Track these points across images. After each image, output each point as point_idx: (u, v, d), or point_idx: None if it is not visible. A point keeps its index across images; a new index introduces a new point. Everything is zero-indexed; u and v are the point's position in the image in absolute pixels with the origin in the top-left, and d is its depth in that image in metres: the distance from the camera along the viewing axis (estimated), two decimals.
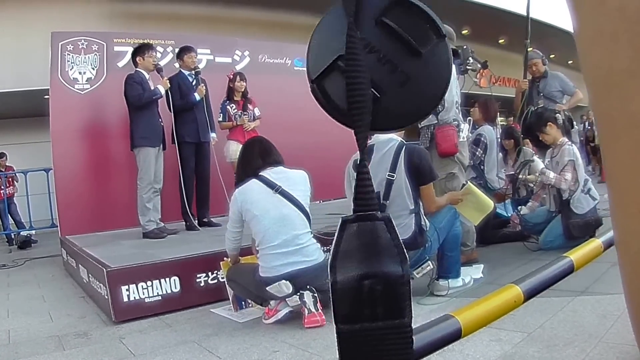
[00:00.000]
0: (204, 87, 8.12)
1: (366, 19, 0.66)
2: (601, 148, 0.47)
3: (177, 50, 8.94)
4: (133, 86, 7.44)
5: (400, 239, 0.64)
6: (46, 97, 9.02)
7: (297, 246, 4.52)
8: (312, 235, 4.73)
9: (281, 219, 4.53)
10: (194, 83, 8.10)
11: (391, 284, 0.61)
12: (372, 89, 0.65)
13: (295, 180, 4.72)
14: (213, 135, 8.37)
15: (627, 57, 0.41)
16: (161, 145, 7.70)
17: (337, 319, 0.61)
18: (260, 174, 4.67)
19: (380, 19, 0.65)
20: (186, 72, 8.17)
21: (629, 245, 0.45)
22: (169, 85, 7.72)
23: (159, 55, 8.41)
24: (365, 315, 0.61)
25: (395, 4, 0.66)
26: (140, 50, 7.78)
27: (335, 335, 0.61)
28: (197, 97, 8.02)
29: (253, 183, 4.65)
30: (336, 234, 0.63)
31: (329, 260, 0.64)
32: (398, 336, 0.61)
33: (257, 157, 4.75)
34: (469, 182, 5.64)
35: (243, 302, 5.11)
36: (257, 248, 4.68)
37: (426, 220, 4.95)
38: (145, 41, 8.53)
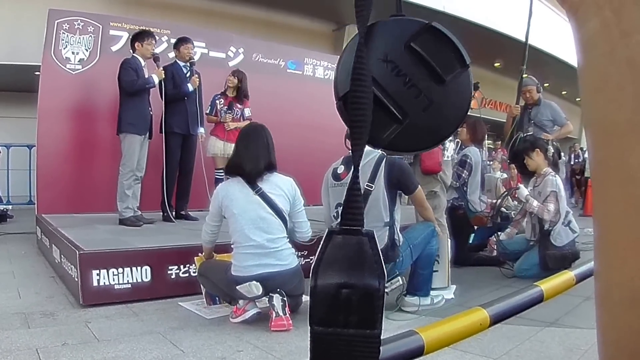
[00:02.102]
0: (198, 79, 8.11)
1: (396, 43, 0.67)
2: (593, 195, 0.48)
3: (172, 40, 8.95)
4: (128, 71, 7.41)
5: (381, 255, 0.66)
6: (37, 73, 8.97)
7: (271, 249, 4.55)
8: (288, 240, 4.74)
9: (258, 221, 4.56)
10: (187, 74, 8.09)
11: (367, 296, 0.63)
12: (396, 112, 0.67)
13: (278, 184, 4.72)
14: (201, 130, 8.35)
15: (630, 109, 0.41)
16: (147, 134, 7.68)
17: (312, 320, 0.63)
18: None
19: (409, 44, 0.67)
20: (181, 63, 8.15)
21: (610, 294, 0.46)
22: (164, 76, 7.71)
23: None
24: (339, 321, 0.63)
25: (425, 30, 0.67)
26: (139, 36, 7.75)
27: (309, 335, 0.63)
28: (190, 87, 8.01)
29: (236, 180, 4.68)
30: (322, 243, 0.65)
31: (312, 265, 0.66)
32: (367, 345, 0.63)
33: (251, 161, 4.68)
34: None
35: (217, 297, 5.11)
36: (232, 246, 4.68)
37: (400, 235, 4.97)
38: (144, 28, 8.50)
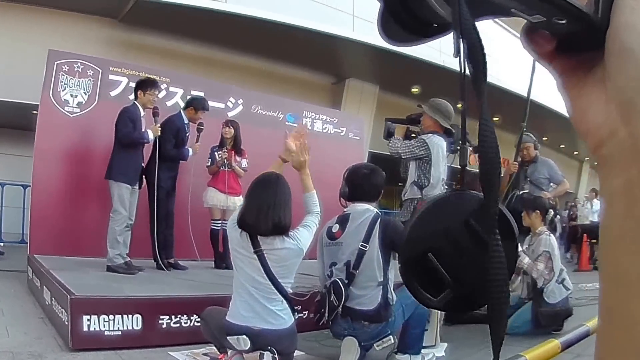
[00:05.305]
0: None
1: (456, 218, 0.68)
2: (598, 335, 0.51)
3: (171, 88, 9.16)
4: (125, 121, 7.40)
5: None
6: (34, 112, 9.02)
7: (267, 307, 4.40)
8: (286, 301, 4.52)
9: (253, 282, 4.38)
10: (188, 134, 8.21)
11: None
12: (447, 274, 0.68)
13: (280, 253, 4.46)
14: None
15: None
16: (138, 184, 7.71)
17: None
18: None
19: (467, 220, 0.68)
20: (185, 120, 8.25)
21: None
22: (159, 133, 7.69)
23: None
24: None
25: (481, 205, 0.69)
26: (144, 85, 7.71)
27: None
28: (191, 152, 8.16)
29: (241, 233, 4.50)
30: None
31: None
32: None
33: (252, 214, 4.45)
34: None
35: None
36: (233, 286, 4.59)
37: (393, 294, 4.97)
38: (146, 75, 8.55)
